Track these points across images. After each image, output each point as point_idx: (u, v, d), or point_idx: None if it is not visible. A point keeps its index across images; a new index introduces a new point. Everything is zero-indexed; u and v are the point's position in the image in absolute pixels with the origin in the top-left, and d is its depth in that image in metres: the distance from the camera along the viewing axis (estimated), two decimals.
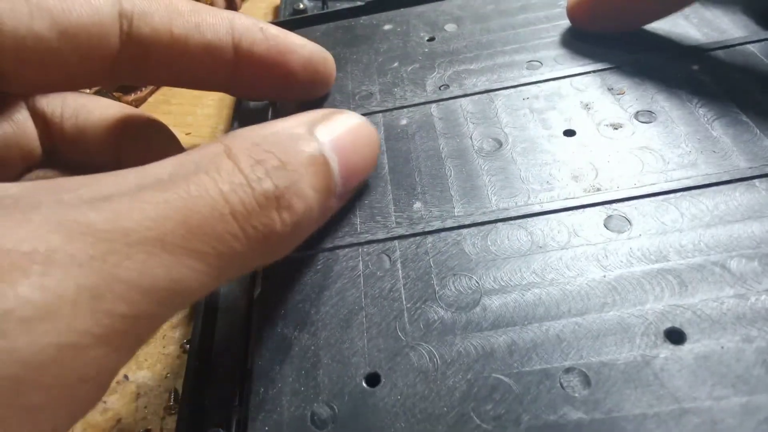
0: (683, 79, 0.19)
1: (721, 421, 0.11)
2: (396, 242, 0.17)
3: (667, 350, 0.12)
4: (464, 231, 0.16)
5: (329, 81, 0.22)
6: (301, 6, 0.33)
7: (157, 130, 0.20)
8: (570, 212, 0.16)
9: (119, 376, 0.20)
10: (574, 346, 0.13)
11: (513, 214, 0.16)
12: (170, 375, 0.20)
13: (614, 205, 0.16)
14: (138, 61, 0.17)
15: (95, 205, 0.10)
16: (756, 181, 0.15)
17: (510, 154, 0.18)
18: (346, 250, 0.17)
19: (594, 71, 0.20)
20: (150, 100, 0.33)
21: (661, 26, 0.22)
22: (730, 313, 0.13)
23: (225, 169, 0.12)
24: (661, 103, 0.18)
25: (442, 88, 0.22)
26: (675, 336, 0.13)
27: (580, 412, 0.12)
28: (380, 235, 0.17)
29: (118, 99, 0.31)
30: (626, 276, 0.14)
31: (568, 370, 0.13)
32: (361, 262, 0.16)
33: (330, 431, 0.13)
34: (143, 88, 0.33)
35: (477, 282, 0.15)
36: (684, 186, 0.16)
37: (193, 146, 0.30)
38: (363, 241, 0.17)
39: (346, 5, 0.29)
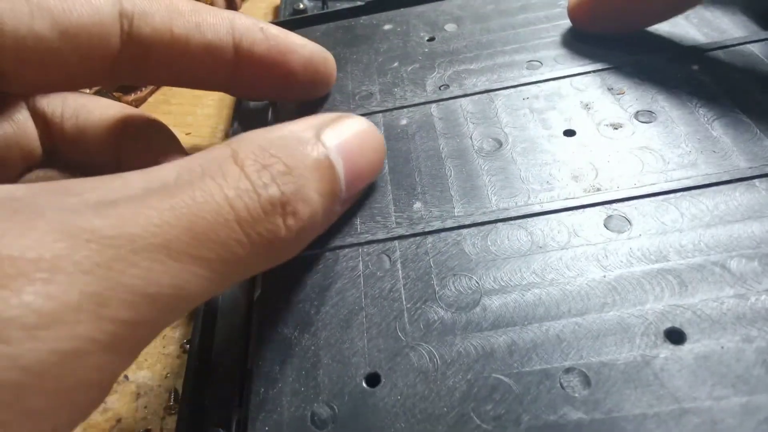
0: (683, 79, 0.19)
1: (721, 421, 0.11)
2: (396, 242, 0.17)
3: (667, 350, 0.12)
4: (464, 231, 0.16)
5: (330, 81, 0.22)
6: (301, 6, 0.33)
7: (157, 130, 0.20)
8: (570, 212, 0.16)
9: (119, 377, 0.20)
10: (574, 346, 0.13)
11: (513, 214, 0.16)
12: (170, 375, 0.20)
13: (614, 205, 0.16)
14: (138, 61, 0.17)
15: (100, 211, 0.10)
16: (756, 181, 0.15)
17: (510, 154, 0.18)
18: (346, 250, 0.17)
19: (594, 71, 0.20)
20: (150, 100, 0.33)
21: (661, 26, 0.22)
22: (730, 313, 0.13)
23: (231, 174, 0.12)
24: (661, 103, 0.18)
25: (442, 88, 0.22)
26: (675, 336, 0.13)
27: (580, 412, 0.12)
28: (380, 236, 0.17)
29: (118, 99, 0.32)
30: (626, 276, 0.14)
31: (568, 370, 0.13)
32: (361, 263, 0.16)
33: (330, 431, 0.13)
34: (143, 88, 0.33)
35: (477, 282, 0.15)
36: (684, 186, 0.16)
37: (193, 146, 0.30)
38: (363, 241, 0.17)
39: (346, 5, 0.29)
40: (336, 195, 0.14)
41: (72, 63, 0.16)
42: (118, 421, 0.19)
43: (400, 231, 0.17)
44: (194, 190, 0.11)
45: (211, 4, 0.36)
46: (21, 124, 0.18)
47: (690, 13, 0.22)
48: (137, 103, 0.32)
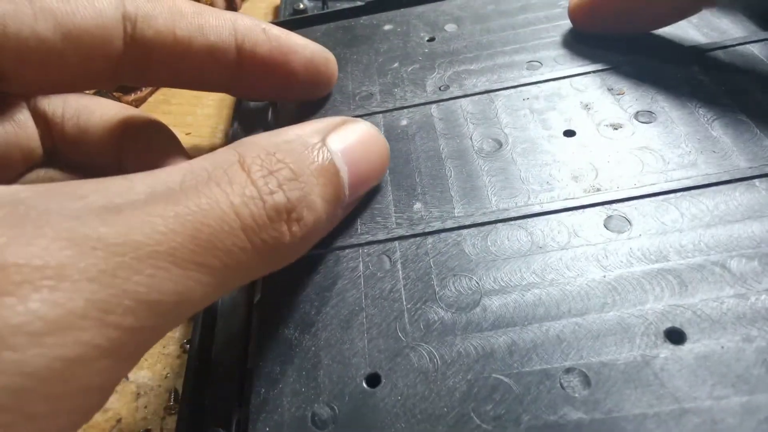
0: (683, 79, 0.19)
1: (722, 421, 0.11)
2: (396, 243, 0.17)
3: (667, 350, 0.13)
4: (464, 231, 0.16)
5: (331, 81, 0.22)
6: (301, 6, 0.33)
7: (157, 131, 0.20)
8: (570, 212, 0.16)
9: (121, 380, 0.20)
10: (574, 347, 0.13)
11: (513, 214, 0.16)
12: (170, 375, 0.20)
13: (614, 206, 0.16)
14: (141, 62, 0.17)
15: (105, 218, 0.10)
16: (756, 181, 0.15)
17: (510, 154, 0.18)
18: (347, 250, 0.17)
19: (594, 72, 0.20)
20: (150, 100, 0.33)
21: None
22: (730, 313, 0.13)
23: (237, 181, 0.12)
24: (661, 103, 0.19)
25: (442, 88, 0.22)
26: (675, 336, 0.13)
27: (580, 412, 0.12)
28: (380, 236, 0.17)
29: (118, 99, 0.32)
30: (626, 276, 0.14)
31: (568, 371, 0.13)
32: (361, 263, 0.16)
33: None
34: (143, 89, 0.33)
35: (477, 282, 0.15)
36: (684, 186, 0.16)
37: (193, 146, 0.30)
38: (363, 241, 0.17)
39: (346, 5, 0.29)
40: (340, 200, 0.14)
41: (74, 65, 0.16)
42: (118, 421, 0.19)
43: (401, 231, 0.17)
44: (199, 197, 0.11)
45: (211, 4, 0.36)
46: (22, 124, 0.18)
47: None
48: (137, 103, 0.32)
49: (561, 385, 0.13)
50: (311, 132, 0.14)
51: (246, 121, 0.26)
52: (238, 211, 0.11)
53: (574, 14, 0.22)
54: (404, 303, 0.15)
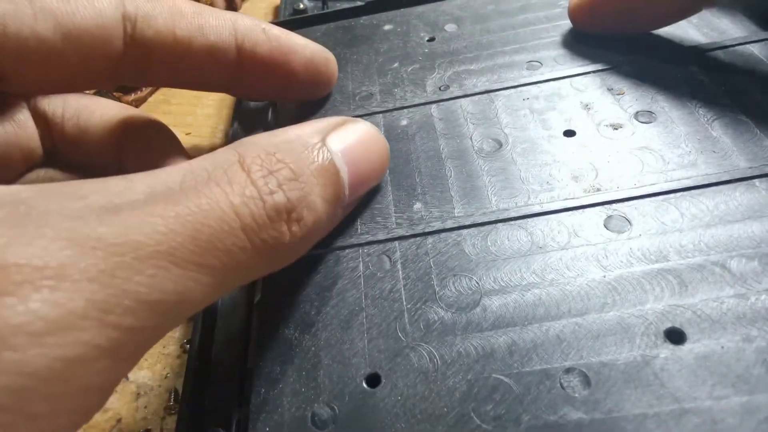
0: (683, 79, 0.19)
1: (722, 421, 0.11)
2: (396, 243, 0.17)
3: (667, 350, 0.13)
4: (464, 231, 0.16)
5: (331, 81, 0.22)
6: (301, 6, 0.33)
7: (157, 131, 0.20)
8: (570, 212, 0.16)
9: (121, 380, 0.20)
10: (574, 347, 0.13)
11: (513, 214, 0.16)
12: (170, 375, 0.20)
13: (614, 206, 0.16)
14: (141, 63, 0.17)
15: (105, 218, 0.10)
16: (756, 181, 0.15)
17: (510, 154, 0.18)
18: (347, 250, 0.17)
19: (594, 71, 0.20)
20: (150, 100, 0.33)
21: None
22: (730, 313, 0.13)
23: (237, 181, 0.12)
24: (661, 103, 0.19)
25: (442, 88, 0.22)
26: (675, 336, 0.13)
27: (580, 412, 0.12)
28: (380, 236, 0.17)
29: (118, 99, 0.32)
30: (626, 276, 0.14)
31: (568, 371, 0.13)
32: (361, 263, 0.16)
33: None
34: (143, 89, 0.33)
35: (477, 282, 0.15)
36: (684, 186, 0.16)
37: (193, 146, 0.30)
38: (363, 241, 0.17)
39: (346, 5, 0.29)
40: (340, 200, 0.14)
41: (74, 65, 0.16)
42: (118, 421, 0.19)
43: (401, 231, 0.17)
44: (199, 197, 0.11)
45: (211, 4, 0.36)
46: (22, 124, 0.18)
47: None
48: (137, 103, 0.32)
49: (561, 385, 0.13)
50: (311, 132, 0.14)
51: (246, 121, 0.26)
52: (238, 211, 0.11)
53: (574, 14, 0.22)
54: (404, 303, 0.15)
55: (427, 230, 0.17)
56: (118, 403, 0.19)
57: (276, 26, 0.19)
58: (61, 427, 0.09)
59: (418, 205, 0.18)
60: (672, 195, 0.16)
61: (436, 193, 0.18)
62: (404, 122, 0.21)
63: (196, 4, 0.18)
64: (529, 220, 0.16)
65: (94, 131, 0.19)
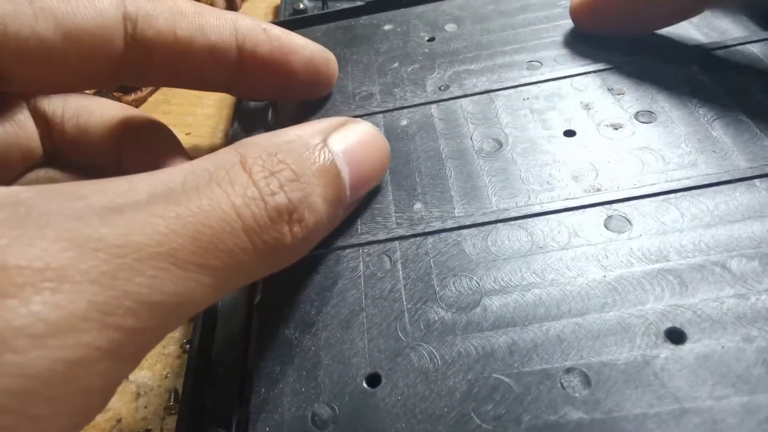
0: (683, 79, 0.19)
1: (722, 421, 0.11)
2: (396, 243, 0.17)
3: (667, 350, 0.13)
4: (464, 231, 0.16)
5: (331, 81, 0.22)
6: (302, 6, 0.33)
7: (157, 131, 0.20)
8: (570, 212, 0.16)
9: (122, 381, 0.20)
10: (574, 347, 0.13)
11: (513, 214, 0.16)
12: (170, 375, 0.20)
13: (614, 206, 0.16)
14: (141, 62, 0.17)
15: (107, 219, 0.10)
16: (756, 181, 0.15)
17: (510, 154, 0.18)
18: (347, 250, 0.17)
19: (594, 71, 0.20)
20: (150, 100, 0.33)
21: None
22: (730, 313, 0.13)
23: (239, 181, 0.12)
24: (661, 103, 0.19)
25: (442, 88, 0.22)
26: (675, 336, 0.13)
27: (580, 412, 0.12)
28: (381, 236, 0.17)
29: (118, 99, 0.32)
30: (626, 276, 0.14)
31: (568, 370, 0.13)
32: (361, 263, 0.16)
33: None
34: (143, 89, 0.33)
35: (477, 282, 0.15)
36: (684, 186, 0.16)
37: (193, 146, 0.30)
38: (363, 241, 0.17)
39: (346, 5, 0.29)
40: (341, 200, 0.14)
41: (74, 65, 0.16)
42: (118, 421, 0.19)
43: (401, 231, 0.17)
44: (201, 198, 0.11)
45: (212, 4, 0.36)
46: (22, 124, 0.18)
47: None
48: (137, 103, 0.32)
49: (561, 385, 0.13)
50: (312, 132, 0.14)
51: (246, 121, 0.26)
52: (240, 212, 0.11)
53: (575, 14, 0.22)
54: (404, 303, 0.15)
55: (427, 230, 0.17)
56: (118, 403, 0.19)
57: (276, 26, 0.19)
58: (63, 428, 0.09)
59: (418, 205, 0.18)
60: (672, 195, 0.16)
61: (436, 193, 0.18)
62: (404, 122, 0.21)
63: (197, 4, 0.18)
64: (529, 220, 0.16)
65: (94, 131, 0.19)
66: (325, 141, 0.14)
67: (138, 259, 0.10)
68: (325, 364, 0.14)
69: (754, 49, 0.20)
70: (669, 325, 0.13)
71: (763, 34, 0.20)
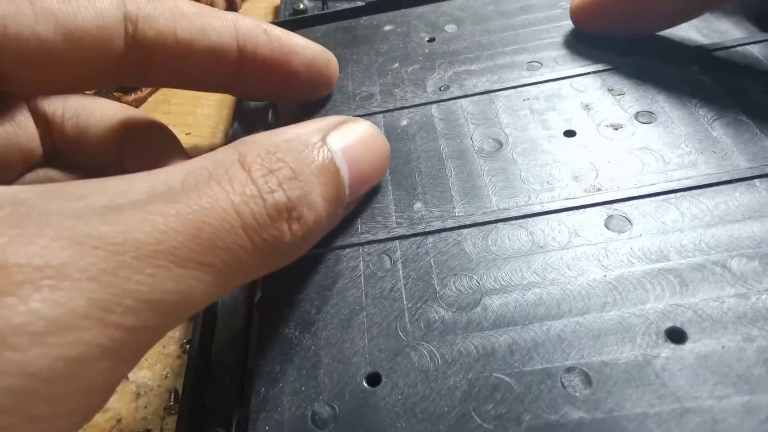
0: (683, 79, 0.19)
1: (722, 421, 0.11)
2: (397, 242, 0.17)
3: (668, 350, 0.13)
4: (465, 231, 0.16)
5: (331, 82, 0.22)
6: (302, 6, 0.33)
7: (157, 131, 0.20)
8: (570, 212, 0.16)
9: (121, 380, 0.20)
10: (575, 346, 0.13)
11: (514, 214, 0.16)
12: (170, 375, 0.20)
13: (615, 205, 0.16)
14: (142, 63, 0.17)
15: (106, 217, 0.10)
16: (756, 181, 0.15)
17: (510, 154, 0.18)
18: (347, 250, 0.17)
19: (594, 72, 0.20)
20: (150, 100, 0.33)
21: None
22: (731, 313, 0.13)
23: (238, 179, 0.12)
24: (661, 103, 0.19)
25: (442, 88, 0.22)
26: (676, 335, 0.13)
27: (581, 411, 0.12)
28: (381, 236, 0.17)
29: (118, 99, 0.32)
30: (627, 276, 0.14)
31: (569, 370, 0.13)
32: (362, 262, 0.16)
33: (331, 431, 0.13)
34: (143, 89, 0.33)
35: (478, 282, 0.15)
36: (684, 186, 0.16)
37: (193, 146, 0.30)
38: (364, 241, 0.17)
39: (346, 6, 0.29)
40: (340, 199, 0.14)
41: (75, 66, 0.16)
42: (118, 421, 0.19)
43: (401, 231, 0.17)
44: (200, 196, 0.11)
45: (211, 5, 0.36)
46: (22, 124, 0.18)
47: None
48: (137, 104, 0.32)
49: (562, 384, 0.13)
50: (312, 131, 0.14)
51: (246, 121, 0.26)
52: (239, 210, 0.11)
53: (576, 15, 0.22)
54: (405, 302, 0.15)
55: (427, 230, 0.17)
56: (118, 403, 0.19)
57: (277, 27, 0.19)
58: (62, 427, 0.09)
59: (418, 205, 0.18)
60: (672, 195, 0.16)
61: (436, 193, 0.18)
62: (404, 122, 0.21)
63: (198, 4, 0.18)
64: (529, 219, 0.16)
65: (94, 131, 0.19)
66: (324, 139, 0.14)
67: (137, 257, 0.10)
68: (325, 363, 0.14)
69: (754, 50, 0.20)
70: (669, 324, 0.13)
71: (762, 36, 0.20)
